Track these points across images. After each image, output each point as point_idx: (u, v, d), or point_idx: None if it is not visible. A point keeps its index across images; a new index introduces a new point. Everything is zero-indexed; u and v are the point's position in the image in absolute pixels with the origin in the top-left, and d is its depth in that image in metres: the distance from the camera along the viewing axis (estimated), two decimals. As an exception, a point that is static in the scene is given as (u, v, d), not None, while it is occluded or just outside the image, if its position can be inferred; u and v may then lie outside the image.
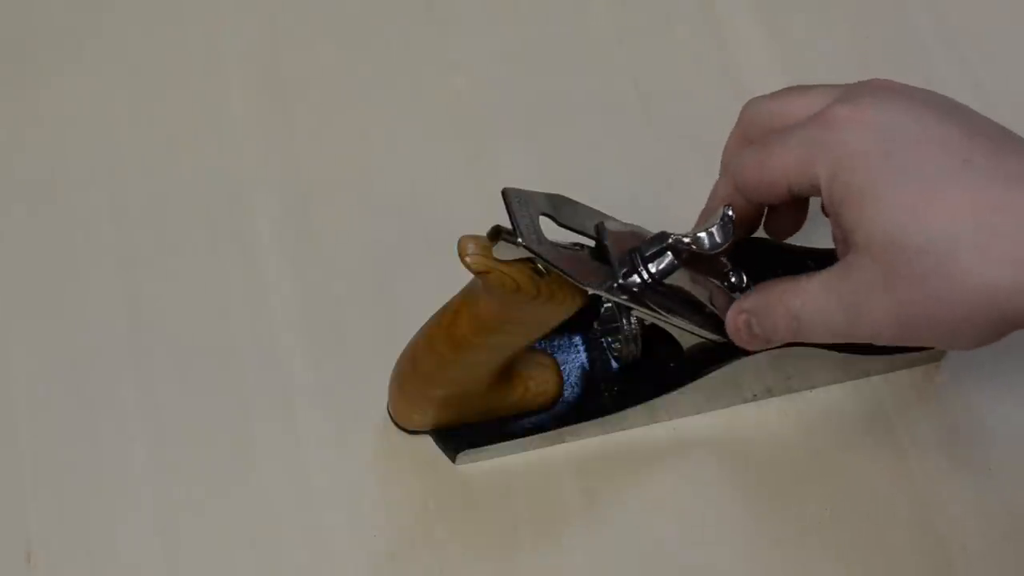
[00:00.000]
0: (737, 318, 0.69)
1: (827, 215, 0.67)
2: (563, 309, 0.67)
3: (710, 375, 0.73)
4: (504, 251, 0.63)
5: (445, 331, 0.68)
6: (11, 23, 0.88)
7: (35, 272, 0.81)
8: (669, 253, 0.67)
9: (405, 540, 0.74)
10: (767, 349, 0.70)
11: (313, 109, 0.86)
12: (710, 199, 0.71)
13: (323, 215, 0.83)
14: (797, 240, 0.75)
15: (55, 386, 0.78)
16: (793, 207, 0.71)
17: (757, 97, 0.70)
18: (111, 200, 0.83)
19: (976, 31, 0.87)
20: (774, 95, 0.69)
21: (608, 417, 0.74)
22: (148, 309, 0.80)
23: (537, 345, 0.75)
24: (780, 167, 0.65)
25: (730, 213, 0.67)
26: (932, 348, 0.76)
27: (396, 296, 0.79)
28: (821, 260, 0.77)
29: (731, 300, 0.70)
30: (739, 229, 0.68)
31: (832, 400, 0.77)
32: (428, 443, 0.75)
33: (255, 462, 0.76)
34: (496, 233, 0.63)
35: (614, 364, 0.76)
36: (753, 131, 0.69)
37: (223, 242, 0.82)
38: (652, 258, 0.67)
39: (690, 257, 0.67)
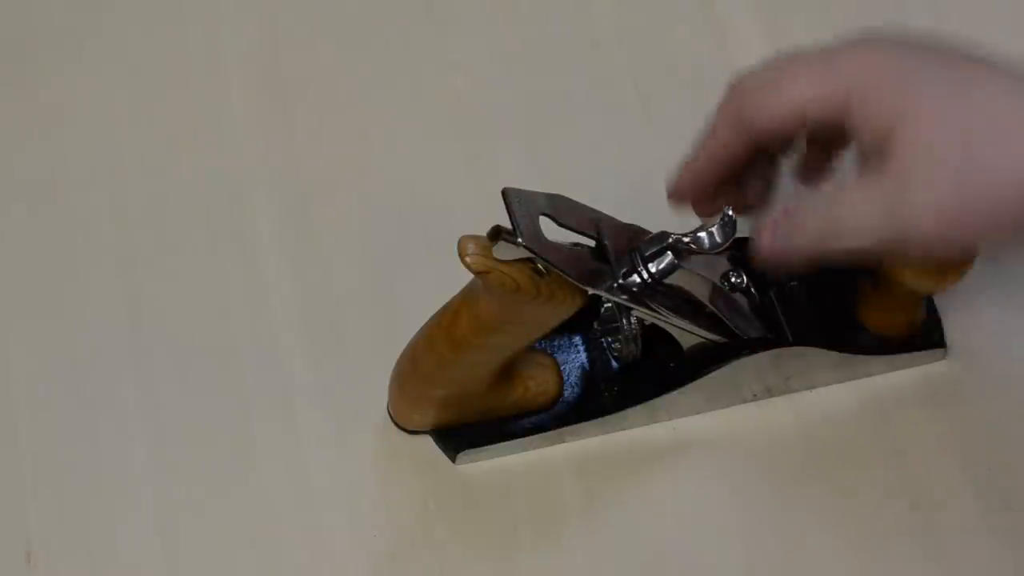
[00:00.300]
0: (765, 230, 0.67)
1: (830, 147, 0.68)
2: (563, 309, 0.67)
3: (710, 375, 0.73)
4: (504, 251, 0.63)
5: (445, 331, 0.68)
6: (11, 23, 0.88)
7: (35, 272, 0.81)
8: (669, 253, 0.67)
9: (405, 540, 0.74)
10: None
11: (313, 109, 0.86)
12: (699, 146, 0.70)
13: (323, 215, 0.83)
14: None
15: (55, 386, 0.78)
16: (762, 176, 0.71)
17: (749, 72, 0.69)
18: (111, 200, 0.83)
19: (976, 31, 0.87)
20: (768, 65, 0.68)
21: (608, 417, 0.74)
22: (148, 309, 0.80)
23: (537, 345, 0.75)
24: (802, 88, 0.65)
25: (731, 214, 0.67)
26: (933, 349, 0.77)
27: (396, 296, 0.79)
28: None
29: (731, 300, 0.70)
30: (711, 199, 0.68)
31: (832, 400, 0.76)
32: (428, 443, 0.75)
33: (255, 462, 0.76)
34: (496, 233, 0.63)
35: (614, 364, 0.76)
36: (749, 104, 0.68)
37: (223, 242, 0.82)
38: (652, 258, 0.67)
39: (690, 257, 0.67)
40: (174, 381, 0.78)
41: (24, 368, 0.78)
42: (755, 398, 0.76)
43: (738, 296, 0.72)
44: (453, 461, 0.75)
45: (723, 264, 0.71)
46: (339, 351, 0.78)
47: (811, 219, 0.66)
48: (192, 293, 0.80)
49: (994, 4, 0.88)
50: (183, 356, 0.78)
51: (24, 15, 0.88)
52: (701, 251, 0.67)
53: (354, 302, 0.80)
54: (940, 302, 0.78)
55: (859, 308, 0.76)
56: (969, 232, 0.65)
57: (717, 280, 0.71)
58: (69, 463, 0.76)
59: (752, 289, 0.72)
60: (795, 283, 0.77)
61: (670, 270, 0.67)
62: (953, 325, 0.78)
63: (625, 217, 0.70)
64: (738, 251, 0.70)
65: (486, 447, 0.74)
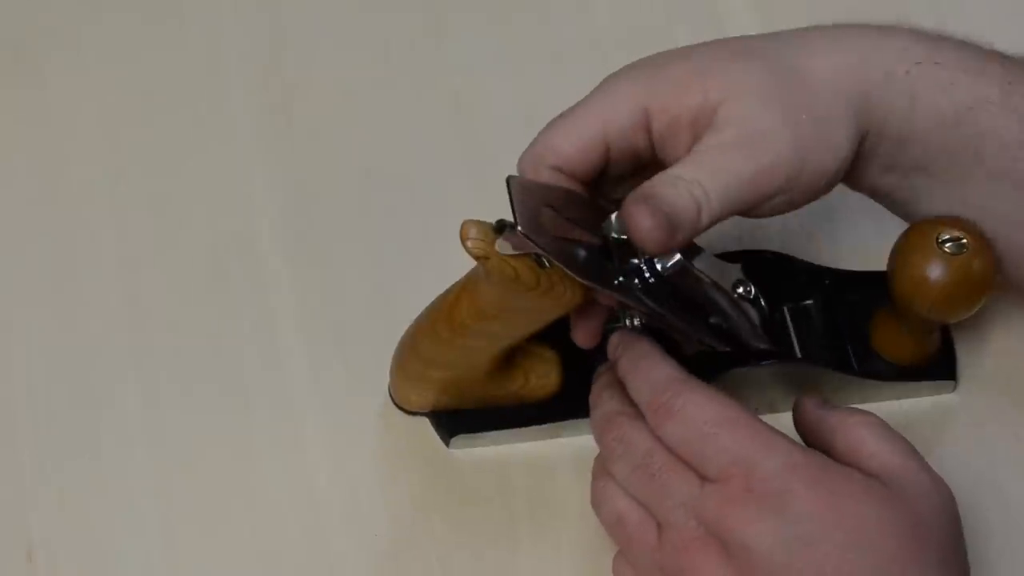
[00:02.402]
0: (638, 205, 0.64)
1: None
2: (562, 303, 0.67)
3: (710, 384, 0.72)
4: (506, 247, 0.63)
5: (445, 314, 0.69)
6: (11, 22, 0.88)
7: (35, 272, 0.81)
8: (677, 252, 0.66)
9: (404, 537, 0.74)
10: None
11: (313, 109, 0.86)
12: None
13: (323, 215, 0.83)
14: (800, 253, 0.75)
15: (56, 385, 0.78)
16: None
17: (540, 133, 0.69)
18: (111, 200, 0.83)
19: (976, 33, 0.87)
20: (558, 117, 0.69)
21: (607, 415, 0.74)
22: (148, 309, 0.80)
23: (542, 338, 0.75)
24: (596, 110, 0.67)
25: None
26: (943, 380, 0.76)
27: (396, 295, 0.79)
28: (835, 277, 0.77)
29: (738, 309, 0.70)
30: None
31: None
32: (428, 442, 0.75)
33: (255, 461, 0.76)
34: (501, 228, 0.63)
35: (617, 363, 0.75)
36: (544, 147, 0.68)
37: (223, 242, 0.82)
38: (655, 257, 0.66)
39: (695, 257, 0.67)
40: (174, 381, 0.78)
41: (24, 368, 0.78)
42: (756, 412, 0.75)
43: (747, 307, 0.71)
44: (447, 445, 0.75)
45: (735, 272, 0.71)
46: (339, 351, 0.78)
47: (681, 191, 0.64)
48: (192, 293, 0.80)
49: (995, 5, 0.88)
50: (183, 356, 0.78)
51: (24, 14, 0.88)
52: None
53: (354, 302, 0.80)
54: (955, 332, 0.77)
55: (872, 333, 0.76)
56: (824, 143, 0.67)
57: (728, 288, 0.70)
58: (70, 463, 0.76)
59: (762, 302, 0.72)
60: (810, 302, 0.77)
61: (673, 270, 0.66)
62: (967, 356, 0.78)
63: (624, 217, 0.70)
64: (748, 263, 0.70)
65: (481, 434, 0.75)
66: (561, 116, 0.68)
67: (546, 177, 0.67)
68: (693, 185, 0.64)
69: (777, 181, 0.65)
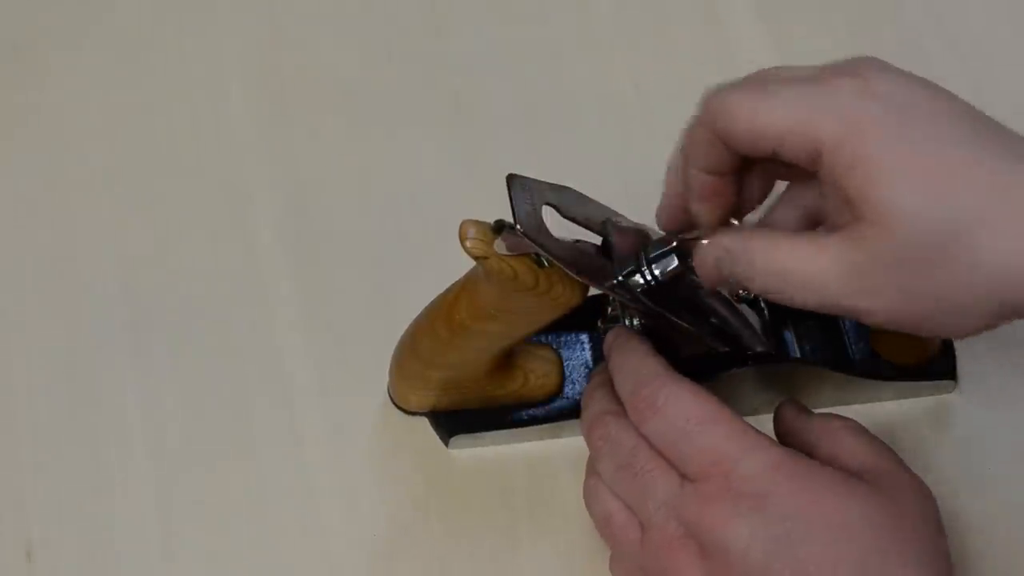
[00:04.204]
0: (709, 253, 0.62)
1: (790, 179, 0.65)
2: (561, 303, 0.67)
3: (707, 384, 0.72)
4: (503, 247, 0.63)
5: (445, 314, 0.69)
6: (11, 22, 0.88)
7: (35, 272, 0.81)
8: (675, 257, 0.66)
9: (404, 537, 0.74)
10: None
11: (313, 109, 0.86)
12: (673, 173, 0.65)
13: (323, 215, 0.83)
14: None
15: (55, 385, 0.78)
16: (762, 176, 0.65)
17: (727, 88, 0.61)
18: (111, 199, 0.83)
19: (976, 31, 0.87)
20: (749, 83, 0.61)
21: (606, 415, 0.74)
22: (148, 308, 0.80)
23: (542, 339, 0.75)
24: (777, 121, 0.59)
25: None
26: (943, 380, 0.76)
27: (396, 296, 0.79)
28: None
29: (736, 310, 0.70)
30: (711, 202, 0.64)
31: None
32: (427, 441, 0.75)
33: (255, 462, 0.76)
34: (499, 228, 0.63)
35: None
36: (722, 128, 0.61)
37: (223, 242, 0.82)
38: (657, 259, 0.66)
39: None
40: (174, 380, 0.78)
41: (24, 367, 0.78)
42: (755, 412, 0.75)
43: (744, 308, 0.71)
44: (447, 445, 0.75)
45: None
46: (338, 351, 0.78)
47: (761, 270, 0.61)
48: (192, 293, 0.80)
49: (994, 5, 0.88)
50: (183, 355, 0.78)
51: (24, 14, 0.88)
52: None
53: (354, 302, 0.80)
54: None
55: (872, 333, 0.76)
56: (935, 321, 0.58)
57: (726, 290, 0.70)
58: (70, 461, 0.75)
59: (761, 303, 0.72)
60: None
61: (675, 274, 0.66)
62: (966, 356, 0.77)
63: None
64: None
65: (481, 434, 0.75)
66: (768, 89, 0.60)
67: (700, 136, 0.62)
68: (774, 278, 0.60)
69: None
